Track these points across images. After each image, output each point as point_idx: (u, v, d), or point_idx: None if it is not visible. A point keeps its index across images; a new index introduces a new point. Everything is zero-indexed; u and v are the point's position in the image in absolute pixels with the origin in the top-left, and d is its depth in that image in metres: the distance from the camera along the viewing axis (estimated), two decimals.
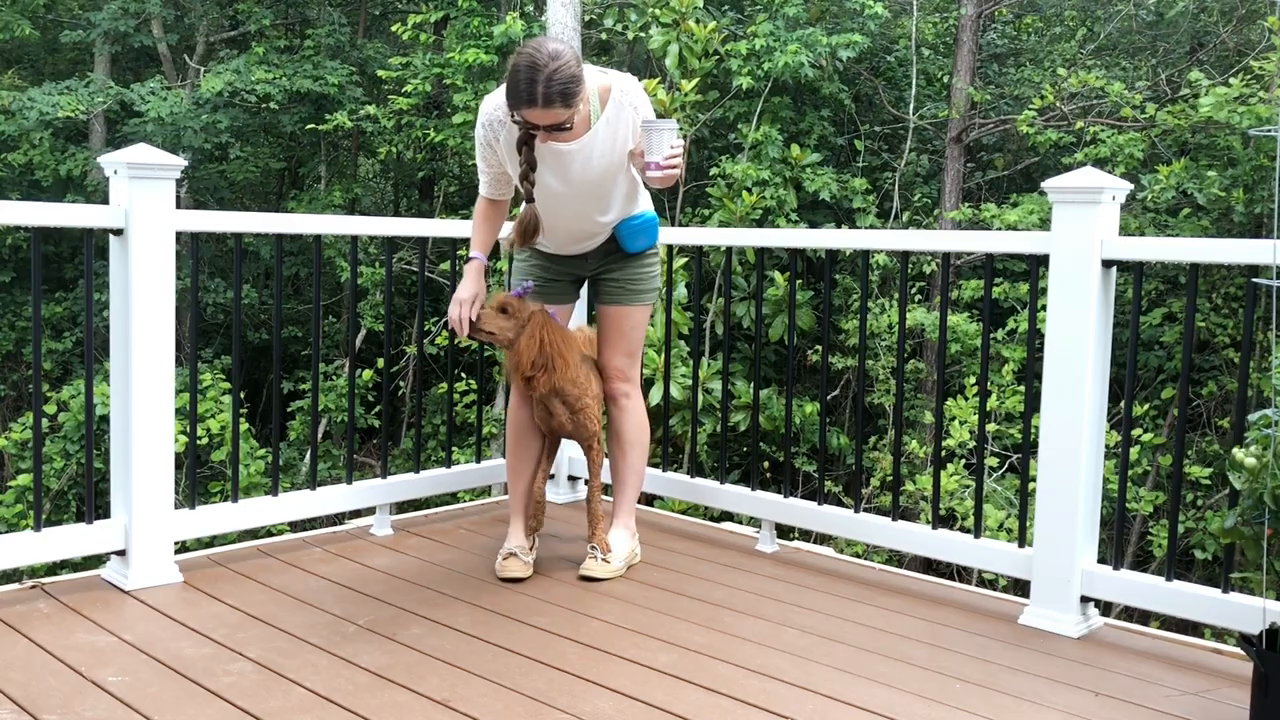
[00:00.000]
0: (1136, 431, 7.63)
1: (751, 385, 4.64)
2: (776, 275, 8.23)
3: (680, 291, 7.57)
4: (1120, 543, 3.40)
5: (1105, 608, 3.24)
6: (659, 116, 3.22)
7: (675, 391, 7.12)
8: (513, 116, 3.04)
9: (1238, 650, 2.94)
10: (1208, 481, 7.59)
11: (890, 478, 7.72)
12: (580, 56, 3.05)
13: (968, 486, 7.58)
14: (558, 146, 3.14)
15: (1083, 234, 3.06)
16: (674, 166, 3.04)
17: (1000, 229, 8.12)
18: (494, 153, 3.24)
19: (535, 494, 3.57)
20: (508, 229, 3.55)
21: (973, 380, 8.18)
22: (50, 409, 8.90)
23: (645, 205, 3.45)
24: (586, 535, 3.57)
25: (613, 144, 3.18)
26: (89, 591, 3.19)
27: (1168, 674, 2.84)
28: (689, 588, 3.41)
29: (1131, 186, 3.22)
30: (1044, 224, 8.04)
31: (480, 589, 3.33)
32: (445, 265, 10.29)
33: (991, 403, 7.89)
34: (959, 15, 9.76)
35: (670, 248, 7.11)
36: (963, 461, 7.91)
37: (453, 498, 6.90)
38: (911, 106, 9.76)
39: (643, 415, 3.58)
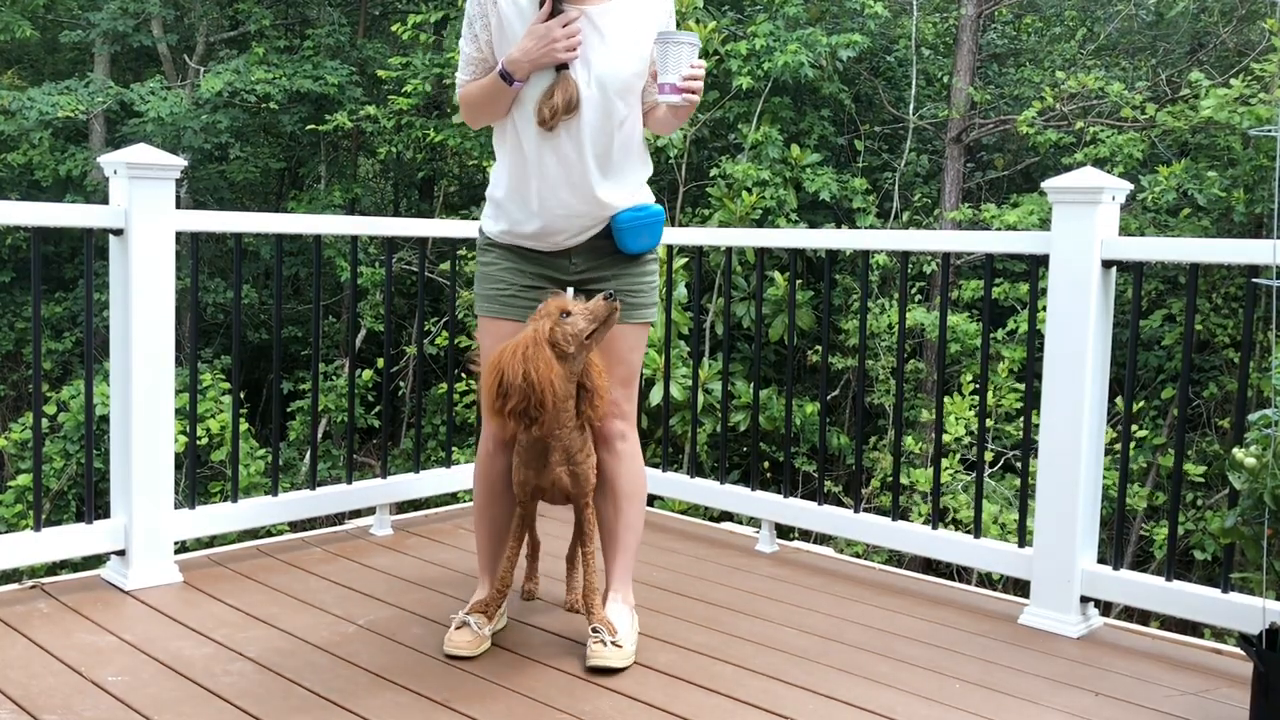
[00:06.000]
0: (1135, 429, 7.63)
1: (751, 385, 4.64)
2: (776, 275, 8.23)
3: (680, 291, 7.57)
4: (1120, 543, 3.40)
5: (1105, 608, 3.24)
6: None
7: (675, 391, 7.12)
8: None
9: (1237, 650, 2.94)
10: (1200, 479, 7.59)
11: (890, 478, 7.72)
12: None
13: (960, 482, 7.59)
14: (582, 5, 2.70)
15: (1082, 234, 3.06)
16: (693, 90, 2.58)
17: (1000, 229, 8.13)
18: (485, 27, 2.74)
19: (504, 579, 2.88)
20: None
21: (969, 378, 8.19)
22: (50, 409, 8.90)
23: (650, 196, 2.90)
24: (566, 601, 3.14)
25: (634, 27, 2.73)
26: (89, 591, 3.19)
27: (1167, 674, 2.84)
28: (689, 588, 3.41)
29: (1131, 187, 3.22)
30: (1044, 224, 8.04)
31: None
32: (445, 265, 10.29)
33: (989, 401, 7.90)
34: (959, 15, 9.76)
35: (670, 248, 7.12)
36: (957, 456, 7.90)
37: (453, 498, 6.88)
38: (911, 106, 9.76)
39: (640, 461, 2.96)
